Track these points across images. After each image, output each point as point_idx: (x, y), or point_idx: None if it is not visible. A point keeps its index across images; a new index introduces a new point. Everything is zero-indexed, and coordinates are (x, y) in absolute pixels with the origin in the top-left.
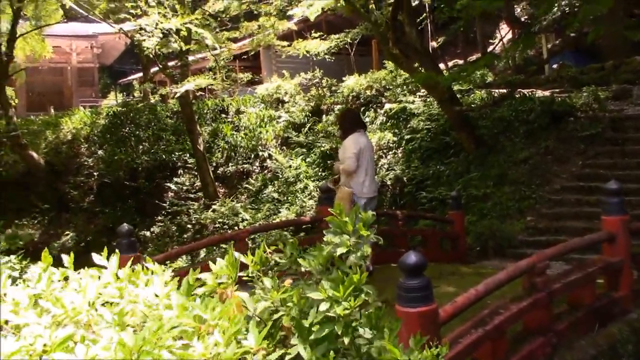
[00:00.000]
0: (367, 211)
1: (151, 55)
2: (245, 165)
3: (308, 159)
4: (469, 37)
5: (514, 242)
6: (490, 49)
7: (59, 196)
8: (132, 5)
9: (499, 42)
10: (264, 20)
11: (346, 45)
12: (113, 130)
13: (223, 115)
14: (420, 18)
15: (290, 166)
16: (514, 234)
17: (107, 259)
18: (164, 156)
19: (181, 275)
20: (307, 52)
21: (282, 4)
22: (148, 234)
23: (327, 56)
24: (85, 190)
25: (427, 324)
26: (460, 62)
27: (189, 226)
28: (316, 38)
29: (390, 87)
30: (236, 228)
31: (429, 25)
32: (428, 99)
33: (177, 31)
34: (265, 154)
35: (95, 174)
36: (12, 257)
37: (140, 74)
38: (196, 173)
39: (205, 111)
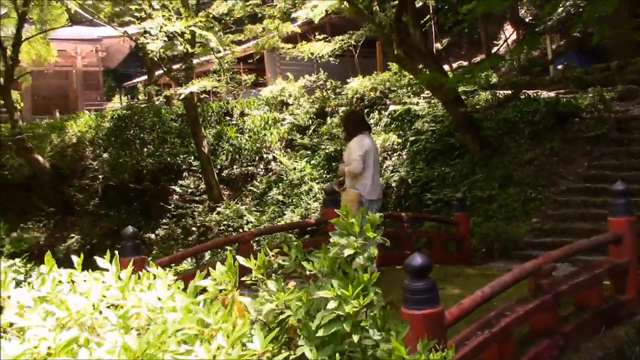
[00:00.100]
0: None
1: (155, 58)
2: (249, 168)
3: (312, 161)
4: (473, 39)
5: (519, 243)
6: (494, 50)
7: (64, 199)
8: (137, 9)
9: (503, 43)
10: (268, 22)
11: (350, 47)
12: (118, 133)
13: (227, 118)
14: (424, 19)
15: (294, 168)
16: (519, 235)
17: (111, 262)
18: (168, 159)
19: (186, 279)
20: (311, 54)
21: (286, 7)
22: (153, 236)
23: (331, 58)
24: (91, 193)
25: (433, 326)
26: (465, 63)
27: (193, 229)
28: (320, 40)
29: (395, 89)
30: (241, 230)
31: (433, 26)
32: (432, 101)
33: (182, 34)
34: (270, 157)
35: (100, 176)
36: (17, 260)
37: (145, 77)
38: (201, 175)
39: (209, 114)
